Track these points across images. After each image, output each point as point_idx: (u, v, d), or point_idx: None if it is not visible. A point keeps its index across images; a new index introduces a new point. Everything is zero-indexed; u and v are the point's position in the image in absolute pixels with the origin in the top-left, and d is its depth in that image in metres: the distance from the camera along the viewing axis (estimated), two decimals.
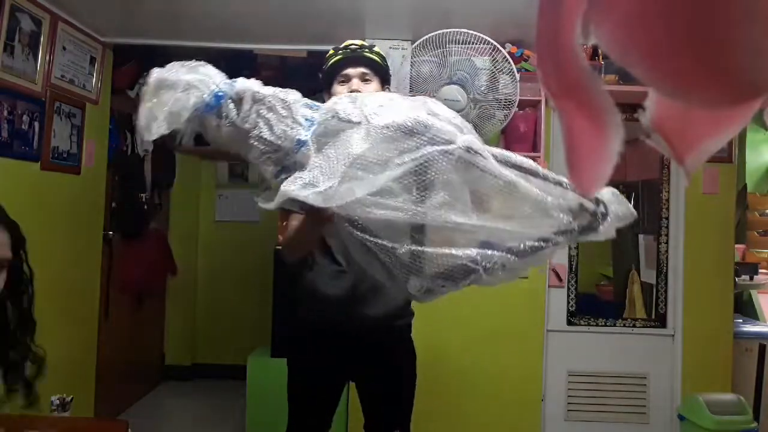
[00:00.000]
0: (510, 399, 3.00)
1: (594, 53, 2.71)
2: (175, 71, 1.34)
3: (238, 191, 4.63)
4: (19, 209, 2.46)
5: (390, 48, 2.92)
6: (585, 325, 3.05)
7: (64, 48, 2.69)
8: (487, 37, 2.50)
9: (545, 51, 0.48)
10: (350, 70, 1.82)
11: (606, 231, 1.40)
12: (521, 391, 3.01)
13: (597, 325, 3.06)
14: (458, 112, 2.46)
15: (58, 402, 2.04)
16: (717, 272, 3.03)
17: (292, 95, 1.40)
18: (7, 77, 2.33)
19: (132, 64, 3.52)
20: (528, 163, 1.39)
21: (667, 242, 3.06)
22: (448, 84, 2.55)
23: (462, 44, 2.56)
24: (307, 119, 1.35)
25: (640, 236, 3.31)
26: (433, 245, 1.32)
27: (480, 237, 1.34)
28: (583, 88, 0.46)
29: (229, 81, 1.36)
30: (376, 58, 1.84)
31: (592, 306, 3.19)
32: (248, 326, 4.29)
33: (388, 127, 1.28)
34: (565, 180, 1.39)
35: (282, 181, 1.32)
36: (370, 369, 1.93)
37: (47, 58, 2.57)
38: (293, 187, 1.26)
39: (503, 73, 2.64)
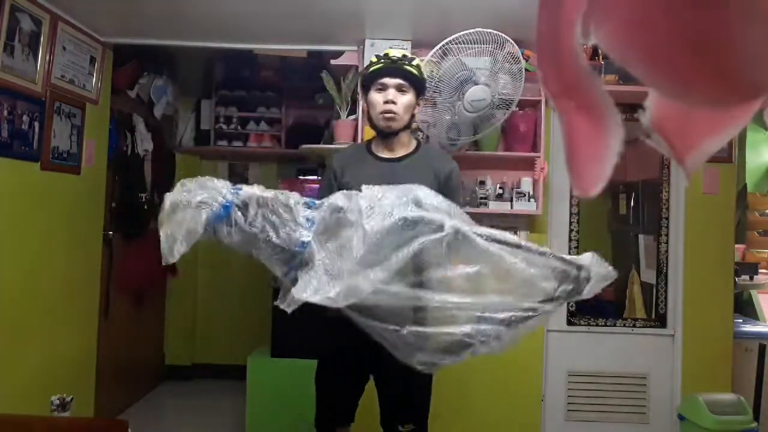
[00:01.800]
0: (510, 399, 3.00)
1: (594, 53, 2.71)
2: (186, 191, 1.52)
3: None
4: (19, 209, 2.47)
5: (390, 48, 2.92)
6: (585, 325, 3.05)
7: (64, 48, 2.69)
8: (506, 37, 2.50)
9: (545, 51, 0.48)
10: (388, 80, 1.94)
11: (590, 292, 1.54)
12: (521, 391, 3.01)
13: (597, 325, 3.06)
14: (483, 109, 2.51)
15: (58, 402, 2.04)
16: (717, 272, 3.03)
17: (293, 198, 1.56)
18: (7, 77, 2.32)
19: (132, 64, 3.52)
20: (512, 238, 1.55)
21: (667, 242, 3.06)
22: (472, 84, 2.57)
23: (467, 44, 2.56)
24: (307, 219, 1.52)
25: (640, 236, 3.31)
26: (434, 323, 1.50)
27: (475, 313, 1.50)
28: (583, 88, 0.46)
29: (234, 189, 1.53)
30: (414, 71, 1.97)
31: (592, 306, 3.19)
32: (248, 326, 4.29)
33: (380, 232, 1.46)
34: (547, 250, 1.57)
35: (292, 280, 1.51)
36: (387, 363, 1.97)
37: (47, 58, 2.57)
38: (305, 294, 1.44)
39: (503, 72, 2.64)
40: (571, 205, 3.05)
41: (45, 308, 2.66)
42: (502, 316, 1.49)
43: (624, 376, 3.04)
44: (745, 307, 3.48)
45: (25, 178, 2.50)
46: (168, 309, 4.44)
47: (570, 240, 3.05)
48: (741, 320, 3.27)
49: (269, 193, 1.55)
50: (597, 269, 1.54)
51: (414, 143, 2.09)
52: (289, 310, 1.47)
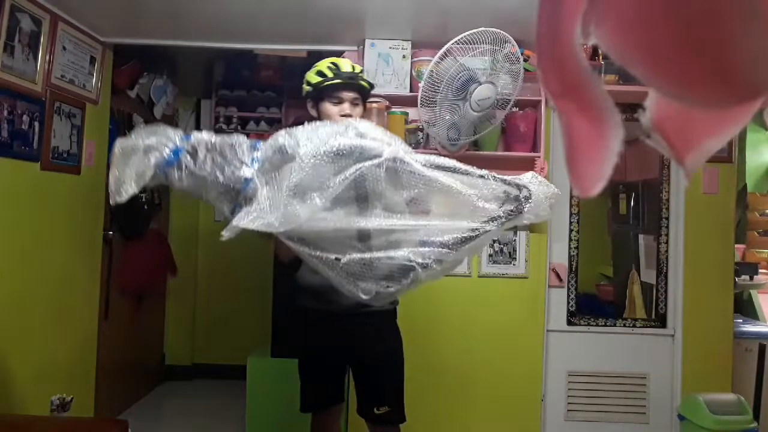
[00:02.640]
0: (510, 399, 3.00)
1: (594, 53, 2.71)
2: (135, 137, 1.54)
3: None
4: (19, 209, 2.47)
5: (390, 48, 2.92)
6: (585, 325, 3.05)
7: (64, 48, 2.69)
8: (507, 35, 2.50)
9: (545, 51, 0.48)
10: (344, 94, 2.03)
11: (532, 211, 1.56)
12: (521, 391, 3.01)
13: (597, 325, 3.06)
14: (488, 108, 2.53)
15: (58, 402, 2.04)
16: (717, 272, 3.03)
17: (239, 139, 1.59)
18: (7, 77, 2.32)
19: (132, 64, 3.52)
20: (451, 162, 1.56)
21: (667, 242, 3.06)
22: (477, 84, 2.59)
23: (466, 44, 2.56)
24: (253, 160, 1.55)
25: (640, 236, 3.31)
26: (374, 250, 1.49)
27: (418, 237, 1.50)
28: (583, 88, 0.46)
29: (184, 136, 1.56)
30: (366, 85, 2.07)
31: (592, 306, 3.19)
32: (248, 326, 4.29)
33: (315, 156, 1.48)
34: (486, 172, 1.58)
35: (234, 215, 1.52)
36: (357, 350, 2.09)
37: (47, 58, 2.57)
38: (244, 220, 1.46)
39: (503, 72, 2.64)
40: (571, 205, 3.05)
41: (45, 308, 2.66)
42: (442, 238, 1.49)
43: (624, 376, 3.04)
44: (745, 307, 3.48)
45: (25, 178, 2.50)
46: (168, 309, 4.44)
47: (570, 240, 3.05)
48: (741, 320, 3.27)
49: (218, 138, 1.58)
50: (537, 187, 1.57)
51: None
52: (225, 237, 1.47)
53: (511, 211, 1.54)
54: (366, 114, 2.91)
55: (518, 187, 1.57)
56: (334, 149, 1.48)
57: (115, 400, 3.49)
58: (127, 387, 3.76)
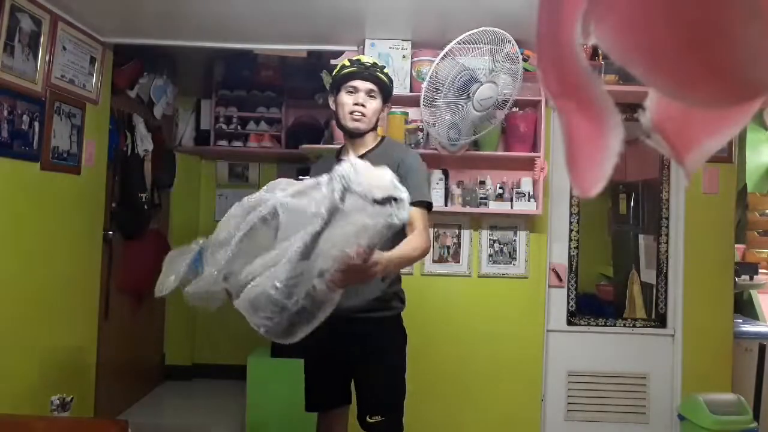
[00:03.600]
0: (510, 399, 3.00)
1: (594, 53, 2.71)
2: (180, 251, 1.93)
3: (238, 191, 4.62)
4: (19, 209, 2.47)
5: (390, 48, 2.92)
6: (585, 325, 3.05)
7: (64, 48, 2.69)
8: (507, 34, 2.51)
9: (545, 51, 0.48)
10: (359, 84, 2.02)
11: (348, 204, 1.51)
12: (521, 391, 3.01)
13: (597, 325, 3.06)
14: (490, 107, 2.55)
15: (58, 402, 2.04)
16: (717, 272, 3.03)
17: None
18: (7, 77, 2.32)
19: (132, 64, 3.52)
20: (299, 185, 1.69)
21: (667, 242, 3.06)
22: (479, 83, 2.59)
23: (463, 44, 2.57)
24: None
25: (640, 236, 3.31)
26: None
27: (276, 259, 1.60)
28: (583, 88, 0.46)
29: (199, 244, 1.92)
30: (384, 78, 2.05)
31: (592, 306, 3.19)
32: (248, 326, 4.28)
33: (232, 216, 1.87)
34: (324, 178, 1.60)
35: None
36: (356, 355, 2.07)
37: (47, 58, 2.57)
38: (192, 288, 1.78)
39: (503, 72, 2.64)
40: (571, 205, 3.05)
41: (45, 308, 2.66)
42: (284, 256, 1.54)
43: (624, 376, 3.04)
44: (745, 307, 3.48)
45: (25, 178, 2.50)
46: (168, 309, 4.44)
47: (570, 240, 3.05)
48: (741, 320, 3.27)
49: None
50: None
51: (377, 141, 2.15)
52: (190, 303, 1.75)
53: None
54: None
55: (330, 180, 1.56)
56: (244, 208, 1.85)
57: (115, 400, 3.49)
58: (127, 387, 3.76)
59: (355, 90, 2.02)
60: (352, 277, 1.52)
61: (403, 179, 1.70)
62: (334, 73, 2.08)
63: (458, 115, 2.66)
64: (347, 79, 2.02)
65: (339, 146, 2.29)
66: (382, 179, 1.51)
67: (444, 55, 2.60)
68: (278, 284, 1.52)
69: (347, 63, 2.04)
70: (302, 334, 1.56)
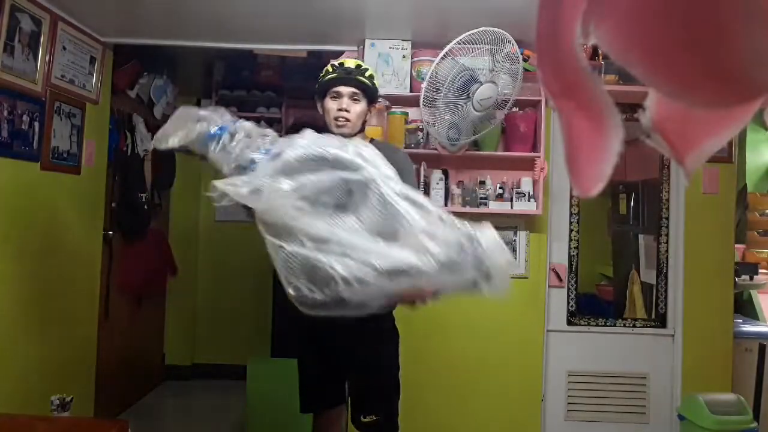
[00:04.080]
0: (510, 399, 3.00)
1: (594, 53, 2.71)
2: (197, 108, 1.73)
3: None
4: (19, 209, 2.47)
5: (390, 48, 2.92)
6: (585, 325, 3.05)
7: (64, 48, 2.69)
8: (507, 34, 2.51)
9: (545, 51, 0.48)
10: (342, 89, 2.06)
11: (493, 287, 1.45)
12: (521, 391, 3.01)
13: (597, 325, 3.06)
14: (489, 108, 2.55)
15: (58, 402, 2.04)
16: (717, 272, 3.03)
17: (269, 132, 1.72)
18: (7, 77, 2.32)
19: (132, 64, 3.52)
20: (421, 198, 1.54)
21: (667, 242, 3.06)
22: (479, 84, 2.59)
23: (463, 44, 2.57)
24: (268, 150, 1.64)
25: (640, 236, 3.31)
26: (311, 249, 1.46)
27: (347, 249, 1.45)
28: (583, 88, 0.46)
29: (234, 120, 1.71)
30: (367, 82, 2.08)
31: (592, 306, 3.19)
32: (248, 326, 4.29)
33: (298, 159, 1.54)
34: (448, 216, 1.50)
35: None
36: (349, 354, 2.08)
37: (47, 58, 2.57)
38: (225, 184, 1.56)
39: (503, 72, 2.64)
40: (571, 205, 3.05)
41: (45, 308, 2.66)
42: (377, 261, 1.43)
43: (624, 376, 3.04)
44: (745, 307, 3.48)
45: (25, 178, 2.50)
46: (168, 309, 4.44)
47: (570, 240, 3.05)
48: (741, 320, 3.27)
49: (256, 129, 1.71)
50: (494, 249, 1.45)
51: (366, 142, 2.15)
52: (210, 194, 1.57)
53: (474, 282, 1.46)
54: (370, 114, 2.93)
55: (473, 240, 1.47)
56: (316, 154, 1.55)
57: (115, 400, 3.49)
58: (127, 387, 3.76)
59: (339, 95, 2.06)
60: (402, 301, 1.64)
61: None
62: (319, 78, 2.12)
63: (458, 115, 2.66)
64: (331, 84, 2.06)
65: None
66: (505, 260, 1.48)
67: (444, 55, 2.60)
68: (356, 284, 1.42)
69: (330, 69, 2.08)
70: (323, 314, 1.49)
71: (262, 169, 1.59)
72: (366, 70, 2.11)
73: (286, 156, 1.57)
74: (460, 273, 1.45)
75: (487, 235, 1.46)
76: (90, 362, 3.09)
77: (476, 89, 2.58)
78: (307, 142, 1.62)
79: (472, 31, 2.50)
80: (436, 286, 1.50)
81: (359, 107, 2.07)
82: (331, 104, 2.07)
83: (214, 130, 1.69)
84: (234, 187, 1.55)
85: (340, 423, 2.20)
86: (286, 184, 1.51)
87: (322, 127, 3.96)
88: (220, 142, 1.68)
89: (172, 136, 1.67)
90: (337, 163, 1.54)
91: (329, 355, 2.08)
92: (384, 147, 2.28)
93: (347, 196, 1.52)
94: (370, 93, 2.10)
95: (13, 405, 2.32)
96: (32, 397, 2.45)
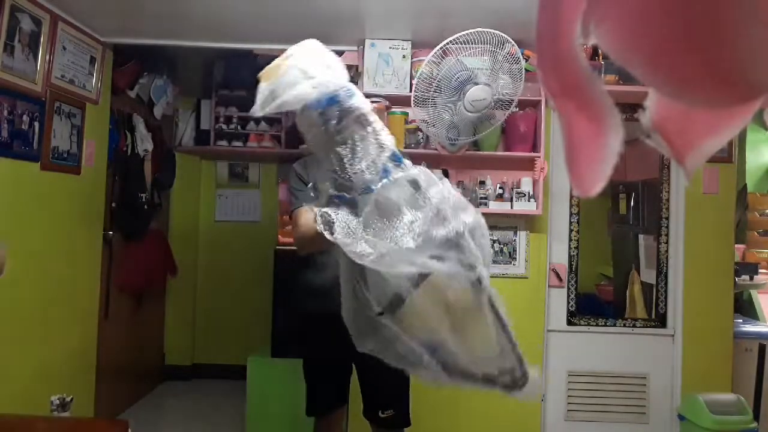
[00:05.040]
0: (510, 399, 2.99)
1: (594, 53, 2.71)
2: (309, 62, 1.50)
3: (238, 191, 4.63)
4: (19, 209, 2.47)
5: (390, 48, 2.92)
6: (585, 325, 3.05)
7: (64, 48, 2.69)
8: (506, 36, 2.51)
9: (545, 51, 0.48)
10: None
11: (514, 394, 1.52)
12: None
13: (597, 325, 3.06)
14: (483, 109, 2.53)
15: (58, 402, 2.04)
16: (717, 272, 3.03)
17: (388, 139, 1.49)
18: (7, 77, 2.32)
19: (132, 64, 3.52)
20: (504, 313, 1.51)
21: (667, 242, 3.06)
22: (472, 84, 2.58)
23: (466, 44, 2.57)
24: (386, 170, 1.45)
25: (640, 236, 3.31)
26: (399, 322, 1.42)
27: (430, 337, 1.43)
28: (583, 88, 0.46)
29: (350, 90, 1.47)
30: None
31: (592, 306, 3.19)
32: (248, 326, 4.29)
33: (431, 240, 1.38)
34: (517, 343, 1.52)
35: (332, 205, 1.45)
36: (359, 353, 2.03)
37: (47, 58, 2.57)
38: (340, 234, 1.37)
39: (503, 72, 2.64)
40: (571, 205, 3.05)
41: (45, 308, 2.66)
42: (449, 358, 1.44)
43: (624, 376, 3.04)
44: (745, 307, 3.48)
45: (25, 178, 2.50)
46: (168, 309, 4.44)
47: (570, 240, 3.05)
48: (741, 320, 3.27)
49: (372, 118, 1.49)
50: (533, 384, 1.53)
51: None
52: (318, 228, 1.39)
53: (504, 384, 1.53)
54: None
55: (524, 373, 1.53)
56: (449, 237, 1.39)
57: (115, 400, 3.49)
58: (127, 387, 3.76)
59: None
60: None
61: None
62: None
63: (449, 114, 2.66)
64: None
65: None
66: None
67: (441, 55, 2.60)
68: (425, 374, 1.46)
69: None
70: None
71: (382, 217, 1.39)
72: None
73: (433, 233, 1.39)
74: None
75: (534, 369, 1.55)
76: (90, 362, 3.09)
77: (468, 90, 2.57)
78: (445, 201, 1.42)
79: (464, 32, 2.50)
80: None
81: None
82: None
83: (323, 99, 1.44)
84: (351, 246, 1.36)
85: (341, 425, 2.21)
86: (406, 266, 1.36)
87: None
88: (326, 118, 1.44)
89: (275, 102, 1.45)
90: (457, 254, 1.40)
91: (336, 354, 2.06)
92: None
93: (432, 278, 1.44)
94: None
95: (13, 405, 2.32)
96: (32, 397, 2.45)
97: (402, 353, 1.45)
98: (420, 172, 1.48)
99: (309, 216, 1.72)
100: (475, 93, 2.57)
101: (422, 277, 1.42)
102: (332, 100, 1.44)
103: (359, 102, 1.47)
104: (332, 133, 1.45)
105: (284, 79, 1.47)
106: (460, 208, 1.46)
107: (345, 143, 1.44)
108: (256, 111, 1.49)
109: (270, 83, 1.48)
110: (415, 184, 1.45)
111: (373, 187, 1.43)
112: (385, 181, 1.44)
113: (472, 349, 1.48)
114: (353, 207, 1.45)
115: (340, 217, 1.41)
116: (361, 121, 1.46)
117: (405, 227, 1.40)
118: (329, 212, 1.41)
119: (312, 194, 1.86)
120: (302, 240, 1.90)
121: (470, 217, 1.45)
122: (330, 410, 2.15)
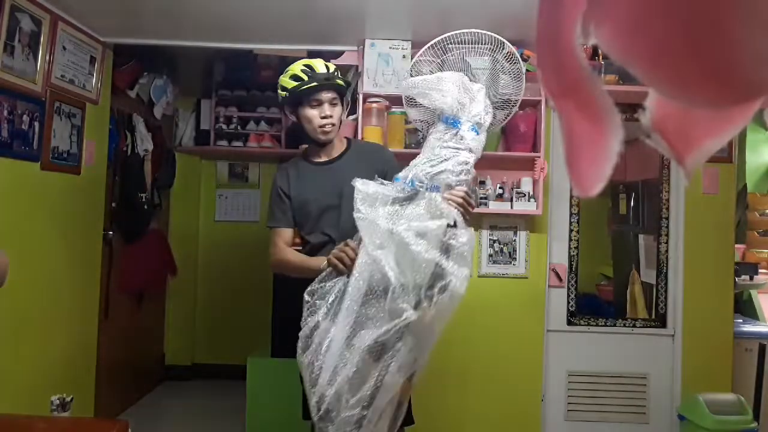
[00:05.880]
0: (510, 399, 3.00)
1: (594, 53, 2.71)
2: (458, 83, 2.04)
3: (238, 191, 4.64)
4: (19, 209, 2.47)
5: (390, 48, 2.92)
6: (585, 325, 3.05)
7: (64, 48, 2.69)
8: (501, 38, 2.50)
9: (545, 51, 0.48)
10: (323, 95, 2.05)
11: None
12: (521, 391, 3.01)
13: (597, 325, 3.06)
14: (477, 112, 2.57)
15: (58, 402, 2.04)
16: (717, 272, 3.03)
17: (470, 169, 2.01)
18: (7, 77, 2.32)
19: (132, 64, 3.52)
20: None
21: (667, 242, 3.06)
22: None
23: (469, 44, 2.56)
24: (449, 185, 1.95)
25: (640, 236, 3.31)
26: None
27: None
28: (583, 88, 0.46)
29: (467, 123, 1.98)
30: (343, 84, 2.09)
31: (592, 306, 3.19)
32: (248, 326, 4.29)
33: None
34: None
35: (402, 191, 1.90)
36: None
37: (47, 58, 2.57)
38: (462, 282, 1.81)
39: (503, 72, 2.64)
40: (571, 205, 3.05)
41: (45, 308, 2.66)
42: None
43: (624, 376, 3.04)
44: (745, 307, 3.48)
45: (25, 178, 2.50)
46: (168, 309, 4.44)
47: (570, 240, 3.05)
48: (741, 320, 3.27)
49: (472, 159, 2.05)
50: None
51: (345, 142, 2.22)
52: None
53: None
54: (365, 114, 2.93)
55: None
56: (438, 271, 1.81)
57: (115, 400, 3.49)
58: (127, 387, 3.76)
59: (320, 103, 2.04)
60: None
61: (387, 176, 1.96)
62: (287, 84, 2.07)
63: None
64: (309, 93, 2.03)
65: (304, 147, 2.35)
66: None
67: (443, 54, 2.59)
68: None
69: (304, 77, 2.03)
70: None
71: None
72: (336, 70, 2.10)
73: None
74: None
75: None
76: (90, 362, 3.09)
77: None
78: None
79: (460, 31, 2.49)
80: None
81: (339, 110, 2.09)
82: (312, 112, 2.05)
83: (454, 118, 1.96)
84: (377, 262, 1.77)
85: None
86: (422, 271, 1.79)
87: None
88: (446, 133, 1.98)
89: (415, 110, 2.00)
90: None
91: None
92: (365, 147, 2.32)
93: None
94: (344, 94, 2.12)
95: (13, 405, 2.32)
96: (32, 397, 2.45)
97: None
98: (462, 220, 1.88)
99: (306, 259, 2.06)
100: None
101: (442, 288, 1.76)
102: (454, 122, 1.96)
103: (465, 133, 1.97)
104: (437, 140, 1.96)
105: (437, 85, 2.02)
106: (465, 264, 1.79)
107: (440, 150, 1.95)
108: (403, 88, 2.12)
109: (424, 79, 2.08)
110: (455, 218, 1.85)
111: (438, 186, 1.89)
112: (441, 192, 1.89)
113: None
114: (412, 198, 1.86)
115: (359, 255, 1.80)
116: (458, 141, 1.96)
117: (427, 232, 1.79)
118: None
119: (291, 208, 2.11)
120: (283, 269, 2.13)
121: (465, 271, 1.79)
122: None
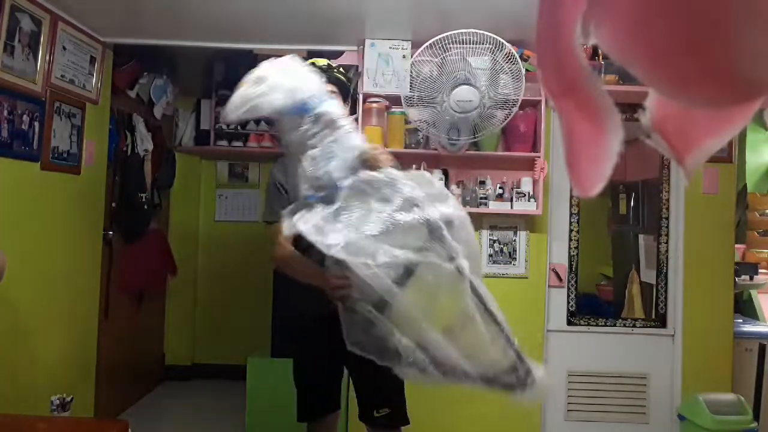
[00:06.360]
0: (510, 399, 3.00)
1: (594, 53, 2.71)
2: (280, 72, 1.67)
3: (238, 191, 4.63)
4: (19, 209, 2.47)
5: (390, 48, 2.92)
6: (585, 325, 3.05)
7: (64, 48, 2.69)
8: (500, 39, 2.51)
9: (545, 51, 0.48)
10: None
11: (521, 397, 1.58)
12: None
13: (597, 325, 3.06)
14: (472, 111, 2.54)
15: (58, 402, 2.04)
16: (717, 272, 3.03)
17: (358, 141, 1.67)
18: (7, 77, 2.32)
19: (132, 64, 3.52)
20: (494, 306, 1.59)
21: (667, 242, 3.06)
22: (461, 84, 2.58)
23: (467, 44, 2.57)
24: (353, 168, 1.61)
25: (640, 236, 3.31)
26: (388, 317, 1.55)
27: (421, 335, 1.54)
28: (583, 88, 0.46)
29: (321, 97, 1.65)
30: (343, 78, 2.07)
31: (592, 306, 3.19)
32: (248, 326, 4.29)
33: (401, 226, 1.53)
34: (514, 340, 1.60)
35: (306, 203, 1.60)
36: (358, 355, 2.03)
37: (47, 58, 2.57)
38: (305, 227, 1.53)
39: (503, 72, 2.64)
40: (571, 205, 3.05)
41: (45, 308, 2.66)
42: (439, 356, 1.51)
43: (624, 376, 3.04)
44: (745, 307, 3.48)
45: (25, 178, 2.50)
46: (168, 309, 4.44)
47: (570, 240, 3.05)
48: (741, 320, 3.27)
49: (345, 122, 1.68)
50: (540, 384, 1.58)
51: None
52: (288, 234, 1.57)
53: (505, 385, 1.57)
54: (365, 114, 2.93)
55: (527, 372, 1.57)
56: (421, 225, 1.53)
57: (115, 400, 3.49)
58: (127, 387, 3.76)
59: None
60: None
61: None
62: None
63: (435, 111, 2.66)
64: None
65: None
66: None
67: (443, 53, 2.60)
68: (415, 373, 1.58)
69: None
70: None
71: (347, 219, 1.54)
72: (338, 66, 2.10)
73: (384, 226, 1.54)
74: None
75: (540, 369, 1.61)
76: (90, 362, 3.09)
77: (455, 89, 2.57)
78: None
79: (458, 31, 2.49)
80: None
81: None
82: None
83: (295, 106, 1.62)
84: (321, 240, 1.53)
85: (335, 431, 2.18)
86: (383, 256, 1.51)
87: None
88: (300, 123, 1.62)
89: (240, 110, 1.60)
90: (437, 246, 1.54)
91: (328, 354, 2.05)
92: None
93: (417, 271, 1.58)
94: (345, 90, 2.08)
95: (13, 405, 2.32)
96: (32, 397, 2.45)
97: (392, 349, 1.54)
98: (375, 174, 1.63)
99: (310, 269, 1.88)
100: (460, 93, 2.56)
101: (407, 275, 1.53)
102: (302, 107, 1.62)
103: (328, 108, 1.64)
104: (306, 137, 1.62)
105: (254, 88, 1.63)
106: (438, 200, 1.57)
107: (316, 146, 1.61)
108: (227, 116, 1.64)
109: (241, 91, 1.63)
110: (386, 182, 1.59)
111: (341, 185, 1.59)
112: (353, 178, 1.59)
113: (465, 346, 1.54)
114: (330, 203, 1.60)
115: (308, 218, 1.56)
116: (332, 125, 1.61)
117: (370, 217, 1.55)
118: (294, 222, 1.58)
119: (289, 202, 2.00)
120: (285, 268, 2.05)
121: (449, 208, 1.57)
122: (321, 415, 2.11)
